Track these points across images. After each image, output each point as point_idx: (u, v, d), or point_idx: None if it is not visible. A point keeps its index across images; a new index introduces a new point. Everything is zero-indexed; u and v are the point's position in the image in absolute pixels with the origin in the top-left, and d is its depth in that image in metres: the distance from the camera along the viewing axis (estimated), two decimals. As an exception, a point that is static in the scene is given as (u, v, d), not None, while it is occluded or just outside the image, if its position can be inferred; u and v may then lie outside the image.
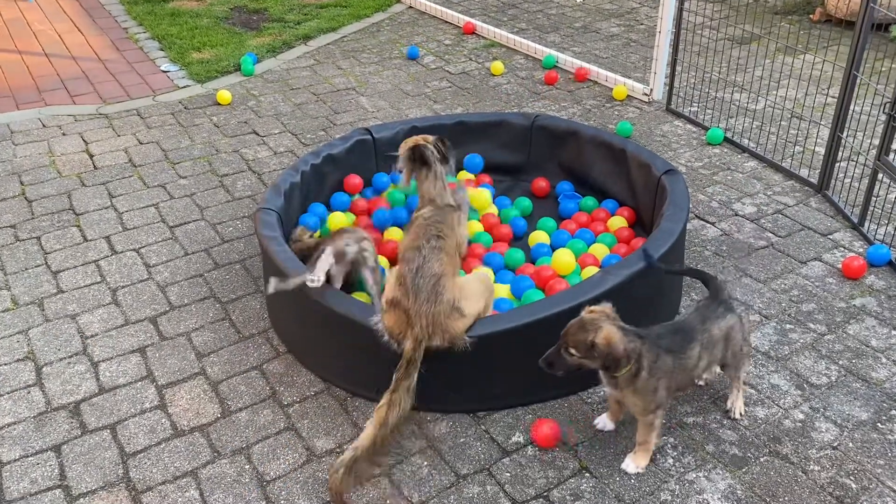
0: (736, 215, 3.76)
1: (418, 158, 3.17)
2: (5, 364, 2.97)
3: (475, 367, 2.59)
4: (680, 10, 4.48)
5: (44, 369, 2.95)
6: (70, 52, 5.76)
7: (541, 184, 3.81)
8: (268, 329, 3.14)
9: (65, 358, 3.00)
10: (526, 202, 3.64)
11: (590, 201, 3.62)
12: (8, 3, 6.71)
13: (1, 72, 5.40)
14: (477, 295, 2.58)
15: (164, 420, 2.73)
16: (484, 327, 2.55)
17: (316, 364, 2.91)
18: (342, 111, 4.93)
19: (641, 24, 6.25)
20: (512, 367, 2.65)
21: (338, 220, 3.45)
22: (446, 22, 6.35)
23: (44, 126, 4.72)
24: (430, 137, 3.27)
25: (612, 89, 5.06)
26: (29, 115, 4.83)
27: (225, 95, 4.97)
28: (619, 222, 3.45)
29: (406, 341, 2.48)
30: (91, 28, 6.25)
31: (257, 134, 4.65)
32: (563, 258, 3.10)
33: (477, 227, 3.43)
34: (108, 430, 2.69)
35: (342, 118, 4.84)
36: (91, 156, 4.40)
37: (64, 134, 4.63)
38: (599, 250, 3.23)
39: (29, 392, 2.84)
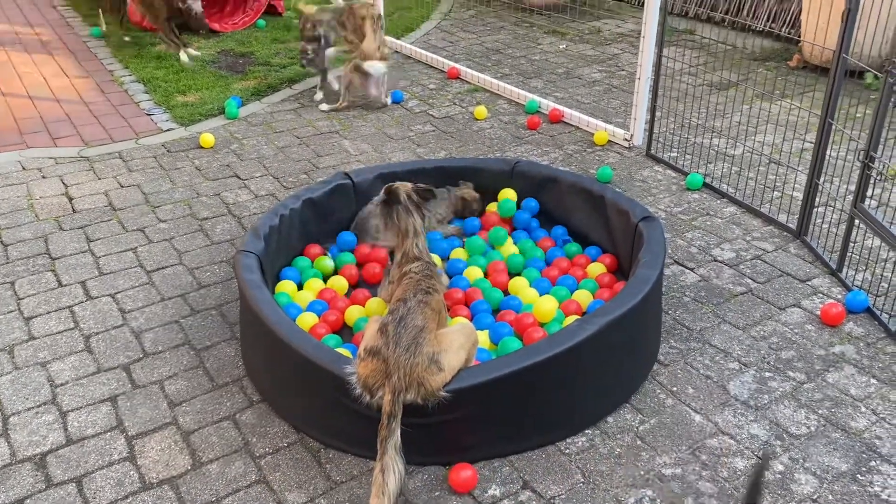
0: (715, 261, 3.77)
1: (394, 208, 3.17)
2: (-29, 414, 2.90)
3: (449, 418, 2.55)
4: (659, 56, 4.55)
5: (10, 419, 2.88)
6: (54, 95, 5.78)
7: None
8: (242, 377, 3.09)
9: (33, 407, 2.94)
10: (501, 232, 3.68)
11: (573, 247, 3.63)
12: (-6, 45, 6.75)
13: (-16, 114, 5.40)
14: (457, 347, 2.54)
15: (132, 472, 2.66)
16: (458, 381, 2.51)
17: (289, 414, 2.86)
18: (325, 154, 4.94)
19: (622, 69, 6.34)
20: (487, 419, 2.61)
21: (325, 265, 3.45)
22: (431, 66, 6.43)
23: (24, 169, 4.70)
24: (409, 184, 3.27)
25: (593, 134, 5.10)
26: (9, 157, 4.82)
27: (208, 138, 4.98)
28: (599, 269, 3.45)
29: (382, 392, 2.43)
30: (77, 70, 6.28)
31: (239, 177, 4.65)
32: (545, 306, 3.08)
33: (476, 273, 3.45)
34: (74, 484, 2.61)
35: (325, 161, 4.85)
36: (70, 199, 4.38)
37: (44, 177, 4.61)
38: (582, 297, 3.22)
39: (-6, 443, 2.78)
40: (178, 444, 2.78)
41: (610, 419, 2.84)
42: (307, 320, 3.18)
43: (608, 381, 2.82)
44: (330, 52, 5.64)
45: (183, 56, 5.87)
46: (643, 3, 4.65)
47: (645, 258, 3.05)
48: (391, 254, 3.57)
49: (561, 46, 6.91)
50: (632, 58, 6.54)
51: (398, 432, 2.41)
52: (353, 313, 3.25)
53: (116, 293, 3.59)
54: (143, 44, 6.77)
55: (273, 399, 2.93)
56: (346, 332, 3.26)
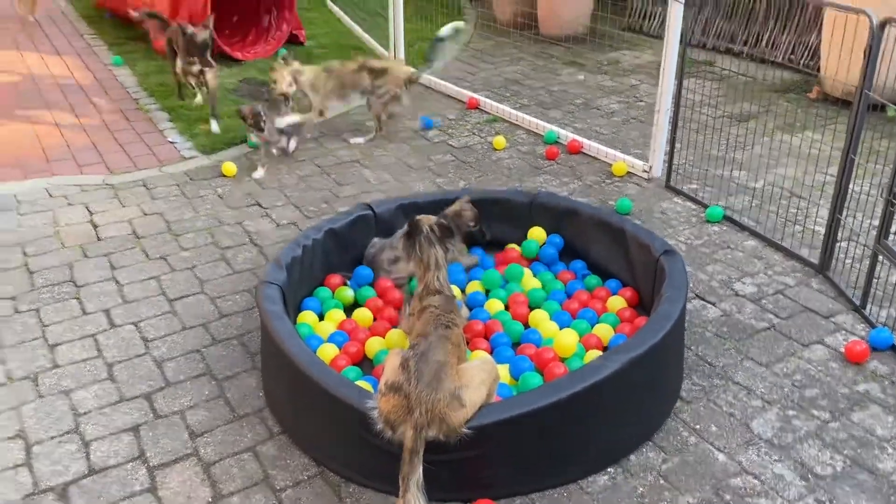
0: (736, 295, 3.75)
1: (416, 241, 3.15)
2: (-5, 442, 2.93)
3: (471, 454, 2.54)
4: (679, 87, 4.57)
5: (34, 448, 2.90)
6: (80, 123, 5.88)
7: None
8: (262, 408, 3.10)
9: (56, 436, 2.96)
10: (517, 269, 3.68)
11: (593, 280, 3.62)
12: (24, 76, 6.89)
13: (12, 142, 5.50)
14: (478, 383, 2.54)
15: (153, 504, 2.67)
16: (480, 417, 2.51)
17: (310, 446, 2.86)
18: (346, 183, 4.98)
19: (641, 101, 6.37)
20: (508, 456, 2.60)
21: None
22: (450, 97, 6.48)
23: (50, 196, 4.77)
24: (432, 217, 3.26)
25: (611, 165, 5.12)
26: (36, 185, 4.89)
27: (230, 167, 5.04)
28: (619, 303, 3.44)
29: (404, 428, 2.43)
30: (103, 98, 6.39)
31: (261, 206, 4.69)
32: (566, 340, 3.07)
33: (497, 305, 3.44)
34: (96, 515, 2.63)
35: (345, 190, 4.89)
36: (95, 226, 4.44)
37: (70, 204, 4.68)
38: (603, 331, 3.21)
39: (17, 472, 2.79)
40: (199, 475, 2.79)
41: (632, 457, 2.81)
42: (328, 352, 3.19)
43: (630, 418, 2.80)
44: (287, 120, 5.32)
45: (213, 125, 5.72)
46: (662, 36, 4.67)
47: (667, 293, 3.05)
48: (409, 280, 3.59)
49: (579, 77, 6.96)
50: (650, 89, 6.56)
51: (420, 469, 2.40)
52: (373, 345, 3.25)
53: (139, 321, 3.62)
54: (167, 71, 6.88)
55: (294, 431, 2.93)
56: (365, 363, 3.26)
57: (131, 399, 3.15)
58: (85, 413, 3.07)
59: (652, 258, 3.38)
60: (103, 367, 3.32)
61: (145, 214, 4.58)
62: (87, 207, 4.65)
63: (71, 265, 4.06)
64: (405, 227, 3.24)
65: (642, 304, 3.52)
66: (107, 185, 4.94)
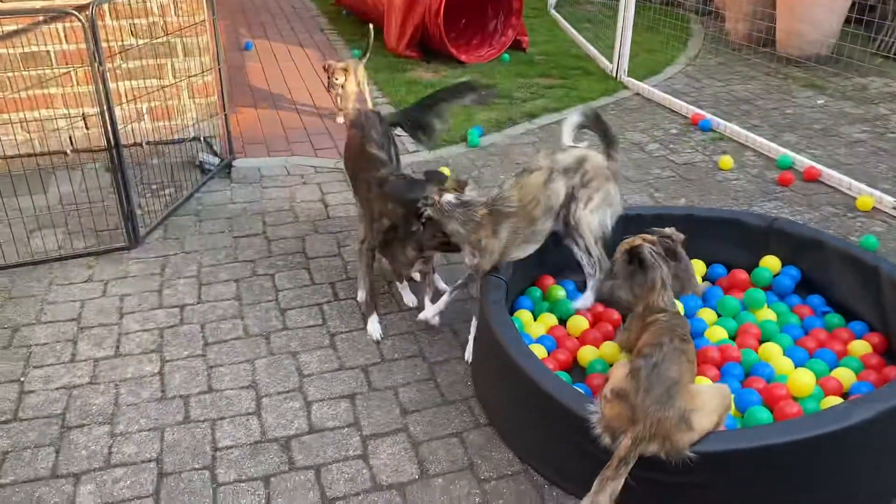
0: None
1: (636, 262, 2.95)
2: (231, 389, 3.20)
3: (685, 480, 2.39)
4: (949, 121, 4.07)
5: (263, 400, 3.14)
6: (317, 111, 6.33)
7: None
8: (470, 397, 3.14)
9: (283, 392, 3.18)
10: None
11: (835, 318, 3.30)
12: (269, 60, 7.55)
13: (259, 123, 6.03)
14: (710, 410, 2.39)
15: (364, 471, 2.79)
16: (708, 444, 2.35)
17: (517, 444, 2.85)
18: (560, 190, 4.94)
19: (892, 132, 5.76)
20: (729, 490, 2.42)
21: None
22: (673, 111, 6.25)
23: (288, 174, 5.17)
24: (650, 237, 3.08)
25: (854, 198, 4.67)
26: (278, 162, 5.33)
27: (445, 171, 5.17)
28: (863, 347, 3.11)
29: (623, 438, 2.35)
30: (337, 89, 6.84)
31: (477, 202, 4.77)
32: (802, 379, 2.82)
33: (721, 333, 3.25)
34: (313, 471, 2.78)
35: (560, 196, 4.85)
36: (326, 205, 4.74)
37: (304, 183, 5.05)
38: (844, 375, 2.92)
39: (248, 419, 3.03)
40: (408, 451, 2.87)
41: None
42: (536, 353, 3.16)
43: (869, 472, 2.52)
44: None
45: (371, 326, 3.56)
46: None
47: (928, 344, 2.70)
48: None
49: (819, 101, 6.43)
50: (904, 119, 5.93)
51: (622, 480, 2.31)
52: (586, 354, 3.18)
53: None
54: (397, 69, 7.24)
55: (500, 424, 2.94)
56: (576, 371, 3.19)
57: (350, 369, 3.32)
58: (308, 375, 3.28)
59: (909, 302, 3.02)
60: (326, 336, 3.53)
61: (370, 199, 4.83)
62: (319, 187, 4.99)
63: (303, 238, 4.36)
64: (619, 254, 3.06)
65: (891, 353, 3.15)
66: (337, 168, 5.27)
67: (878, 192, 4.65)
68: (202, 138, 5.31)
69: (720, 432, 2.43)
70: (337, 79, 5.83)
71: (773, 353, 3.05)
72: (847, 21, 7.12)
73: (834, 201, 4.72)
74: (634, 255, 2.95)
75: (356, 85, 5.96)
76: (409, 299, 3.73)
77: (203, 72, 5.19)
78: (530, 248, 3.28)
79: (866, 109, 6.24)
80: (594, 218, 3.30)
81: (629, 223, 3.72)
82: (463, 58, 7.42)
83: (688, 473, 2.34)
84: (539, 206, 3.14)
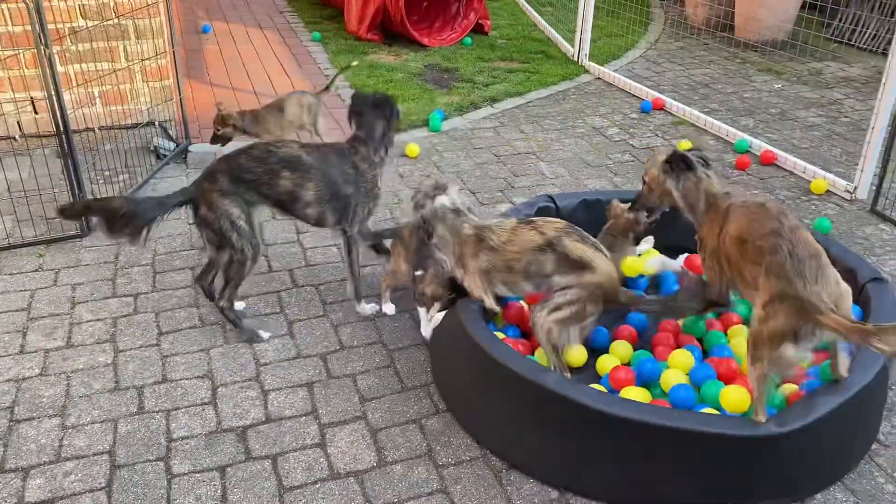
0: (951, 338, 3.35)
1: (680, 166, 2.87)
2: (186, 379, 3.15)
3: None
4: (900, 106, 4.16)
5: (219, 389, 3.10)
6: (275, 92, 6.23)
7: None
8: (429, 383, 3.14)
9: (239, 381, 3.14)
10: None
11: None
12: (227, 42, 7.41)
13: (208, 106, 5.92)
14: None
15: (322, 459, 2.77)
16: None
17: (475, 427, 2.86)
18: (521, 174, 4.95)
19: (846, 116, 5.87)
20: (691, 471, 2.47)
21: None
22: (633, 95, 6.28)
23: (246, 159, 5.07)
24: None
25: (809, 182, 4.75)
26: (235, 146, 5.20)
27: (414, 148, 5.15)
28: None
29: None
30: (297, 72, 6.75)
31: (437, 188, 4.75)
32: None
33: None
34: (270, 461, 2.76)
35: (521, 181, 4.86)
36: (284, 191, 4.67)
37: (263, 168, 4.96)
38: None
39: (203, 409, 2.99)
40: (367, 439, 2.86)
41: (818, 496, 2.59)
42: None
43: (823, 457, 2.57)
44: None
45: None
46: (873, 49, 4.26)
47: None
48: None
49: (776, 86, 6.52)
50: (857, 104, 6.04)
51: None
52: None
53: (319, 284, 3.78)
54: (358, 52, 7.16)
55: (459, 409, 2.94)
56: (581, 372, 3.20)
57: (307, 357, 3.29)
58: (266, 364, 3.24)
59: (857, 285, 3.08)
60: (285, 324, 3.49)
61: (329, 184, 4.77)
62: (278, 172, 4.91)
63: (261, 224, 4.28)
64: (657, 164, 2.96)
65: (840, 333, 3.22)
66: (297, 153, 5.19)
67: (831, 176, 4.74)
68: (157, 123, 5.20)
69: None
70: (218, 130, 4.70)
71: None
72: (803, 6, 7.22)
73: (789, 185, 4.80)
74: (677, 159, 2.90)
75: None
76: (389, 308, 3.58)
77: (157, 55, 5.07)
78: (513, 295, 3.14)
79: (821, 94, 6.34)
80: (555, 328, 2.88)
81: (589, 207, 3.76)
82: (425, 41, 7.36)
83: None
84: (519, 263, 2.94)
